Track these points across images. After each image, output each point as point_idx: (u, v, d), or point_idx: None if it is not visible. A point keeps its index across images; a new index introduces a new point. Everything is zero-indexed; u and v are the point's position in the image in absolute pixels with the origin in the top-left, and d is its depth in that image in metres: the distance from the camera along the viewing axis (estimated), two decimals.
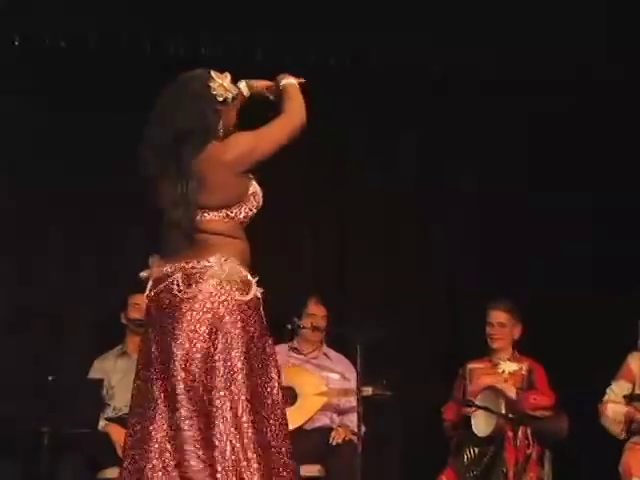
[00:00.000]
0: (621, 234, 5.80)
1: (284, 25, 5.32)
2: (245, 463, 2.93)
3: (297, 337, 5.43)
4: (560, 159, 5.95)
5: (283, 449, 3.04)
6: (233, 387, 2.98)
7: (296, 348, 5.43)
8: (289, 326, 5.18)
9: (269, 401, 3.04)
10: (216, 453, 2.92)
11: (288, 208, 5.68)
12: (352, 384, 5.06)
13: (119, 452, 4.78)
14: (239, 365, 2.99)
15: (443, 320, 5.96)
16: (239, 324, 3.02)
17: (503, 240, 5.91)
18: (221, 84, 3.14)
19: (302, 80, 3.31)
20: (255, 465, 2.94)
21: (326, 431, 5.20)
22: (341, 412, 5.28)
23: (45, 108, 5.48)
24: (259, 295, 3.12)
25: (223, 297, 3.03)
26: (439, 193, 6.05)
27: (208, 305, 3.02)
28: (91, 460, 4.89)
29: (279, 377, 3.11)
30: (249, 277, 3.10)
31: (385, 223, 5.97)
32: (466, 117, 5.97)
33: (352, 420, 5.03)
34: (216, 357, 2.99)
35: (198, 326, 3.00)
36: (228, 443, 2.93)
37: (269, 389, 3.06)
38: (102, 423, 4.95)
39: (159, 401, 3.00)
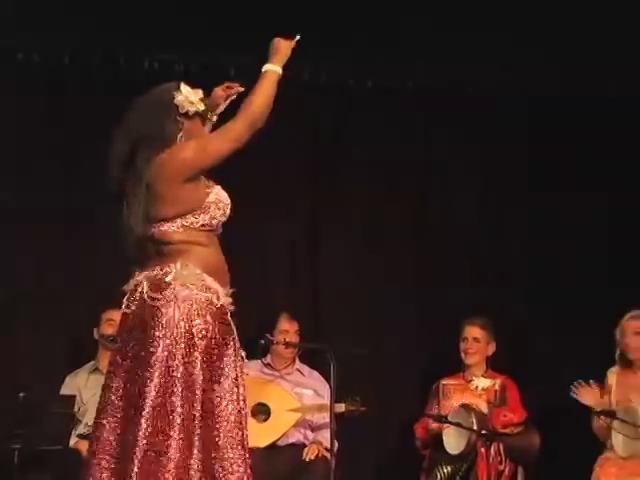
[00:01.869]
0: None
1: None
2: (189, 471, 2.92)
3: (270, 353, 5.42)
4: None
5: (225, 462, 3.00)
6: (188, 393, 2.97)
7: (269, 364, 5.41)
8: (262, 342, 5.17)
9: (216, 411, 3.02)
10: (167, 461, 2.92)
11: (262, 221, 5.69)
12: (325, 400, 5.06)
13: None
14: (192, 371, 2.98)
15: (416, 336, 5.96)
16: (199, 328, 3.02)
17: (478, 257, 5.94)
18: (186, 96, 3.13)
19: (297, 38, 3.23)
20: (197, 474, 2.93)
21: (299, 447, 5.18)
22: (314, 428, 5.27)
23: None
24: (226, 304, 3.10)
25: (186, 302, 3.02)
26: (418, 208, 6.05)
27: (171, 310, 3.01)
28: (62, 477, 4.85)
29: (237, 390, 3.07)
30: (213, 284, 3.08)
31: (361, 237, 5.96)
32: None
33: (325, 436, 5.03)
34: (176, 361, 2.98)
35: (160, 333, 2.99)
36: (178, 450, 2.92)
37: (219, 399, 3.03)
38: (73, 440, 4.92)
39: (124, 409, 2.99)
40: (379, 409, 5.50)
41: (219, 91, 3.36)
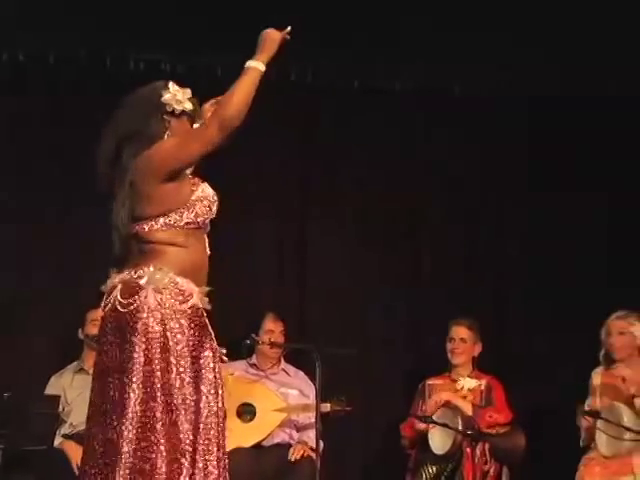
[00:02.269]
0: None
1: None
2: (164, 477, 2.91)
3: (255, 353, 5.41)
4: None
5: (202, 464, 2.98)
6: (167, 398, 2.96)
7: (255, 364, 5.41)
8: (247, 342, 5.16)
9: (194, 412, 2.99)
10: (147, 466, 2.91)
11: (249, 219, 5.69)
12: (311, 400, 5.06)
13: (75, 469, 4.76)
14: (168, 374, 2.97)
15: (403, 335, 5.97)
16: (173, 332, 3.00)
17: (467, 258, 5.94)
18: (174, 95, 3.12)
19: (288, 29, 3.15)
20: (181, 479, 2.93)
21: (285, 447, 5.18)
22: (300, 428, 5.26)
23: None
24: (201, 305, 3.08)
25: (159, 306, 3.01)
26: (400, 209, 6.06)
27: (144, 315, 3.00)
28: (46, 477, 4.84)
29: (215, 392, 3.05)
30: (186, 286, 3.05)
31: (348, 236, 5.96)
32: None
33: (311, 436, 5.02)
34: (152, 367, 2.97)
35: (136, 337, 2.99)
36: (158, 454, 2.92)
37: (196, 401, 3.01)
38: (58, 440, 4.90)
39: (106, 414, 2.99)
40: (365, 409, 5.51)
41: (208, 106, 3.33)
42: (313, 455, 4.91)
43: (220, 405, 3.05)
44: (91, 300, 4.96)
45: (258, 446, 5.12)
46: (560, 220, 5.94)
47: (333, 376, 4.84)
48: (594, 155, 5.89)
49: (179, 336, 3.01)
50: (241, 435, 5.07)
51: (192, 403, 3.00)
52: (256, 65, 3.07)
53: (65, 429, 4.98)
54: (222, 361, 3.14)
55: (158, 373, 2.97)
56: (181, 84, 3.16)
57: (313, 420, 4.87)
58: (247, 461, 4.98)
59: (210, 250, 3.18)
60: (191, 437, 2.96)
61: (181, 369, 3.00)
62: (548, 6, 5.29)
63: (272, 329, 5.35)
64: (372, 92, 5.88)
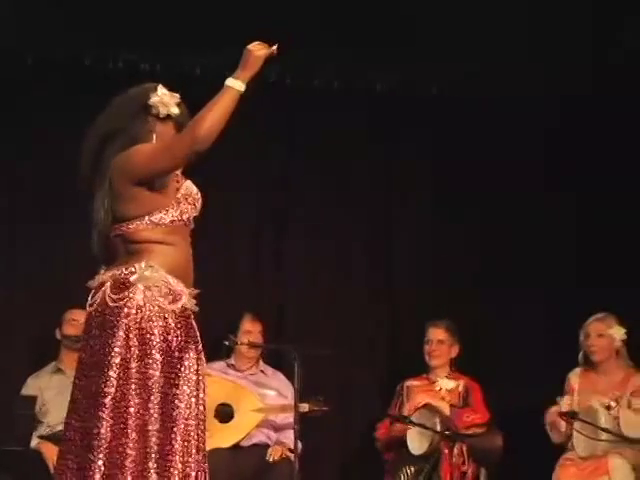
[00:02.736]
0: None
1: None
2: (145, 473, 2.90)
3: (234, 354, 5.40)
4: None
5: (180, 465, 2.97)
6: (146, 396, 2.95)
7: (233, 365, 5.40)
8: (226, 343, 5.16)
9: (174, 413, 2.99)
10: (127, 462, 2.90)
11: (227, 220, 5.68)
12: (289, 400, 5.05)
13: (51, 470, 4.73)
14: (151, 373, 2.96)
15: (382, 336, 5.97)
16: (160, 331, 2.99)
17: (444, 259, 5.96)
18: (161, 98, 3.10)
19: (274, 48, 3.03)
20: (154, 476, 2.92)
21: (263, 448, 5.18)
22: (278, 429, 5.26)
23: None
24: (189, 306, 3.07)
25: (148, 303, 2.99)
26: (381, 211, 6.06)
27: (133, 311, 2.98)
28: (23, 478, 4.81)
29: (196, 394, 3.04)
30: (177, 286, 3.04)
31: (327, 237, 5.96)
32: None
33: (289, 437, 5.02)
34: (135, 363, 2.96)
35: (121, 332, 2.98)
36: (135, 451, 2.91)
37: (178, 402, 2.99)
38: (35, 441, 4.88)
39: (86, 409, 2.99)
40: (343, 409, 5.52)
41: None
42: (291, 456, 4.91)
43: (201, 408, 3.05)
44: (69, 300, 4.97)
45: (236, 447, 5.11)
46: (532, 220, 5.96)
47: (311, 376, 4.84)
48: (563, 155, 5.92)
49: (165, 335, 3.00)
50: (219, 436, 5.06)
51: (174, 404, 2.99)
52: (235, 85, 2.97)
53: (42, 430, 4.95)
54: None
55: (141, 369, 2.96)
56: (171, 88, 3.13)
57: (291, 420, 4.87)
58: (225, 462, 4.97)
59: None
60: (161, 437, 2.95)
61: (165, 367, 2.99)
62: (527, 6, 5.31)
63: (250, 330, 5.34)
64: (353, 92, 5.88)
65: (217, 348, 5.06)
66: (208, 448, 5.04)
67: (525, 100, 5.80)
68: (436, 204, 6.06)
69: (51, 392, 5.03)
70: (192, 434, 3.00)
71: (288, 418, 5.07)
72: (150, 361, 2.97)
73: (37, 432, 4.92)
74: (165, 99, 3.10)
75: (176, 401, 2.99)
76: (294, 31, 5.13)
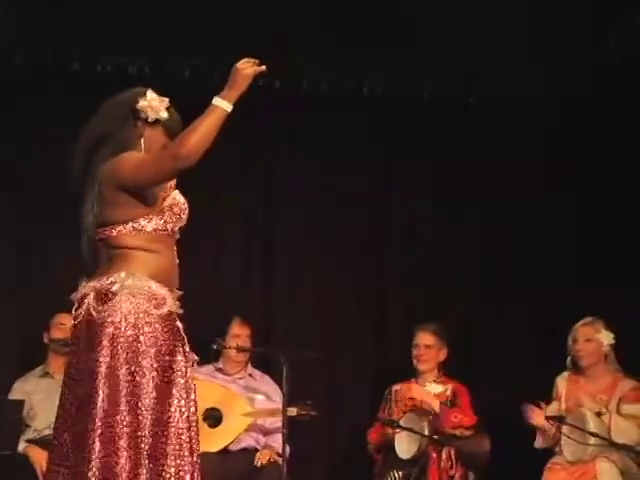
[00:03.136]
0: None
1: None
2: (138, 478, 2.91)
3: (222, 357, 5.40)
4: None
5: (173, 469, 2.97)
6: (136, 402, 2.95)
7: (221, 369, 5.39)
8: (214, 346, 5.15)
9: (165, 417, 2.99)
10: (118, 469, 2.90)
11: (215, 223, 5.67)
12: (278, 404, 5.05)
13: (39, 474, 4.72)
14: (138, 380, 2.96)
15: (371, 340, 5.97)
16: (147, 336, 2.99)
17: (444, 259, 5.96)
18: (150, 102, 3.10)
19: (262, 67, 3.01)
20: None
21: (251, 452, 5.17)
22: (266, 433, 5.26)
23: None
24: (174, 309, 3.07)
25: (133, 311, 2.99)
26: (368, 212, 6.07)
27: (117, 320, 2.99)
28: None
29: (186, 397, 3.04)
30: (160, 291, 3.04)
31: (316, 239, 5.95)
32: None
33: (277, 441, 5.02)
34: (123, 371, 2.96)
35: (106, 342, 2.97)
36: (125, 459, 2.91)
37: (168, 406, 3.00)
38: (22, 445, 4.86)
39: (76, 417, 2.98)
40: (332, 413, 5.52)
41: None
42: (279, 460, 4.91)
43: (192, 410, 3.05)
44: (57, 304, 4.94)
45: (224, 451, 5.10)
46: (532, 220, 5.96)
47: (300, 380, 4.84)
48: (562, 155, 5.93)
49: (153, 340, 3.00)
50: (207, 440, 5.03)
51: (164, 408, 2.99)
52: (222, 105, 2.96)
53: (29, 434, 4.93)
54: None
55: (129, 377, 2.96)
56: (161, 93, 3.13)
57: (280, 424, 4.87)
58: (213, 466, 4.95)
59: (177, 253, 3.16)
60: (152, 442, 2.95)
61: (154, 373, 2.99)
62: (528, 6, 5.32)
63: (238, 333, 5.34)
64: (356, 93, 5.88)
65: (205, 352, 5.04)
66: None
67: (525, 101, 5.81)
68: (436, 204, 6.05)
69: (39, 396, 5.02)
70: (184, 437, 2.99)
71: (277, 422, 5.06)
72: (137, 368, 2.97)
73: (24, 436, 4.90)
74: (154, 103, 3.10)
75: (166, 405, 2.99)
76: (293, 31, 5.16)
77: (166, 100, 3.13)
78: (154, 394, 2.98)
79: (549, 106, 5.85)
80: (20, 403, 4.83)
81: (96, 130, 3.10)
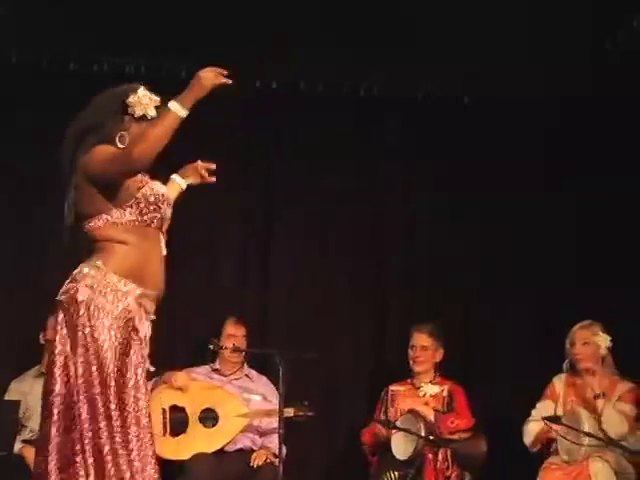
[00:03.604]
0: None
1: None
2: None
3: (218, 358, 5.39)
4: None
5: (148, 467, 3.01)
6: (89, 397, 2.98)
7: (217, 369, 5.39)
8: (211, 347, 5.14)
9: (115, 416, 3.00)
10: (78, 458, 2.96)
11: (211, 223, 5.66)
12: (274, 405, 5.04)
13: None
14: (88, 376, 2.99)
15: (367, 341, 5.97)
16: (97, 330, 3.00)
17: (443, 259, 5.95)
18: (139, 99, 3.11)
19: (228, 80, 3.04)
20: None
21: (247, 453, 5.17)
22: (262, 433, 5.25)
23: None
24: (133, 307, 3.05)
25: (87, 303, 3.00)
26: (364, 212, 6.06)
27: (72, 309, 3.01)
28: None
29: (138, 396, 3.05)
30: (123, 287, 3.05)
31: (313, 238, 5.95)
32: None
33: (273, 442, 5.01)
34: (76, 367, 2.99)
35: (64, 331, 3.00)
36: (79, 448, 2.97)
37: (120, 404, 3.01)
38: (18, 445, 4.86)
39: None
40: (328, 414, 5.51)
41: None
42: (275, 461, 4.90)
43: (144, 412, 3.05)
44: (54, 304, 4.94)
45: (221, 451, 5.10)
46: (532, 220, 5.95)
47: (296, 381, 4.83)
48: (562, 156, 5.92)
49: (105, 334, 3.00)
50: (204, 441, 5.06)
51: (115, 406, 2.99)
52: (177, 110, 2.99)
53: (25, 435, 4.94)
54: (148, 377, 3.15)
55: (80, 371, 2.98)
56: (157, 93, 3.15)
57: (276, 425, 4.86)
58: (209, 467, 4.97)
59: (171, 253, 3.16)
60: (106, 433, 2.97)
61: (106, 369, 2.99)
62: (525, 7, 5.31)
63: (234, 334, 5.33)
64: (356, 93, 5.87)
65: (201, 352, 5.05)
66: (193, 453, 5.08)
67: (525, 101, 5.80)
68: (436, 204, 6.04)
69: (34, 397, 5.00)
70: (142, 436, 3.01)
71: (273, 423, 5.06)
72: (90, 364, 2.98)
73: (21, 437, 4.91)
74: (144, 100, 3.12)
75: (120, 403, 3.00)
76: (293, 31, 5.15)
77: (157, 99, 3.14)
78: (104, 392, 2.98)
79: (549, 106, 5.85)
80: (16, 404, 4.84)
81: (86, 120, 3.13)
